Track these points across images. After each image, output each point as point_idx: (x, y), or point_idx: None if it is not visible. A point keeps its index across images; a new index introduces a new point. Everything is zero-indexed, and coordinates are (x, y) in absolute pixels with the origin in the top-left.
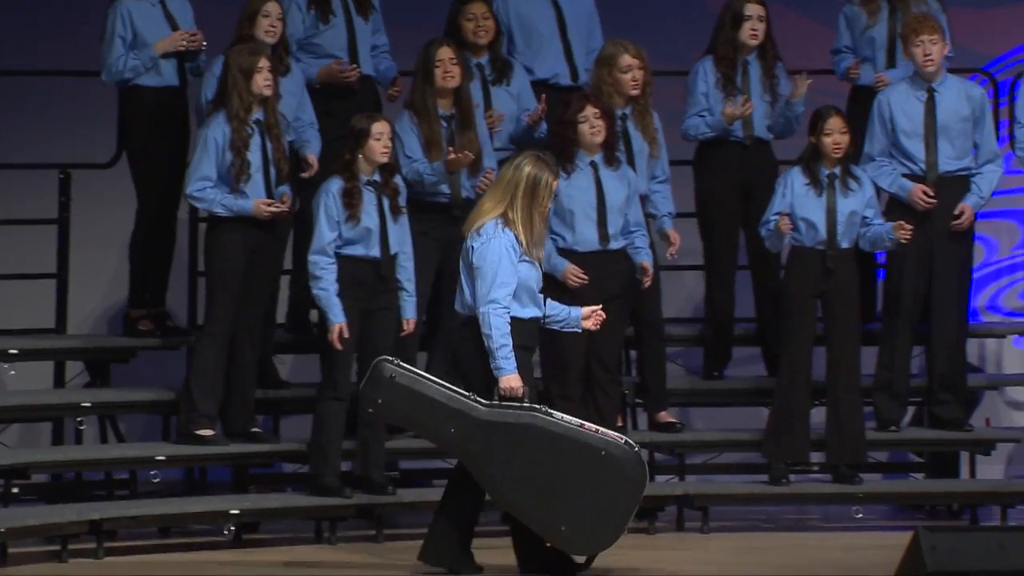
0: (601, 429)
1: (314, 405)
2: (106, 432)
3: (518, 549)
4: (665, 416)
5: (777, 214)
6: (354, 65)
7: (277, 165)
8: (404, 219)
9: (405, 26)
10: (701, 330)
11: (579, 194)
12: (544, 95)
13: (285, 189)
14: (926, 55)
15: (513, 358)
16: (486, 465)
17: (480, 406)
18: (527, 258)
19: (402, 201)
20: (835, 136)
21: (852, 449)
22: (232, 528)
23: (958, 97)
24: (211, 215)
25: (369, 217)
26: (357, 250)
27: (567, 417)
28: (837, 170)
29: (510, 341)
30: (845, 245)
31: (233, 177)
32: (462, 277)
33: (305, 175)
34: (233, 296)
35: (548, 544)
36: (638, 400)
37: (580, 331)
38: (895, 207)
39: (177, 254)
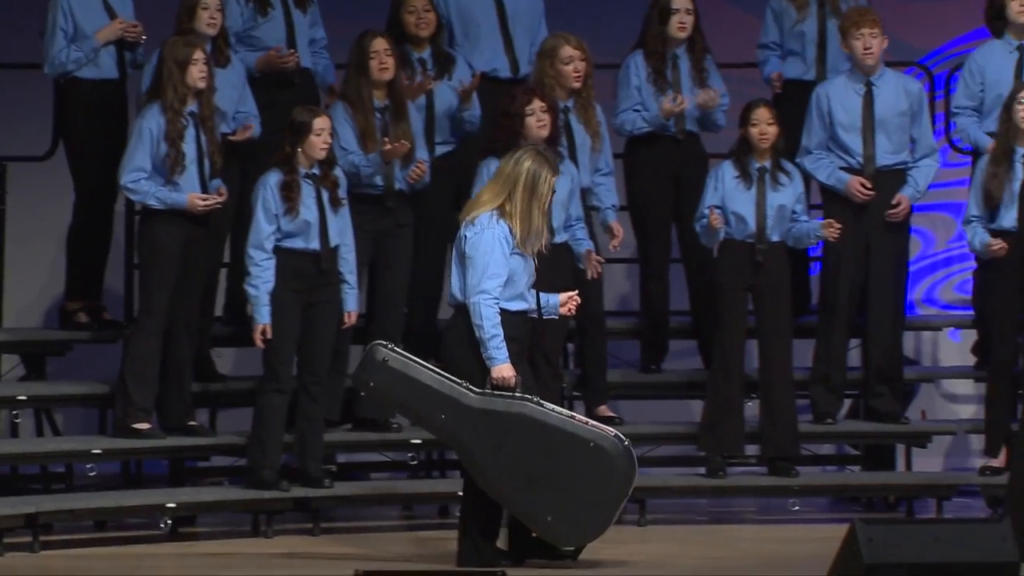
0: (591, 421)
1: (255, 397)
2: (42, 425)
3: (512, 534)
4: (604, 410)
5: (709, 208)
6: (292, 51)
7: (211, 158)
8: (345, 211)
9: (343, 20)
10: (637, 323)
11: None
12: (476, 73)
13: (219, 183)
14: (866, 48)
15: (505, 348)
16: (475, 452)
17: (472, 394)
18: (519, 252)
19: (342, 193)
20: (761, 127)
21: (785, 442)
22: (168, 521)
23: (896, 91)
24: (145, 208)
25: (308, 210)
26: (297, 243)
27: (558, 408)
28: (768, 163)
29: (501, 331)
30: (775, 238)
31: (168, 169)
32: (453, 266)
33: (237, 137)
34: (167, 289)
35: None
36: (575, 393)
37: (557, 318)
38: (832, 200)
39: (113, 247)
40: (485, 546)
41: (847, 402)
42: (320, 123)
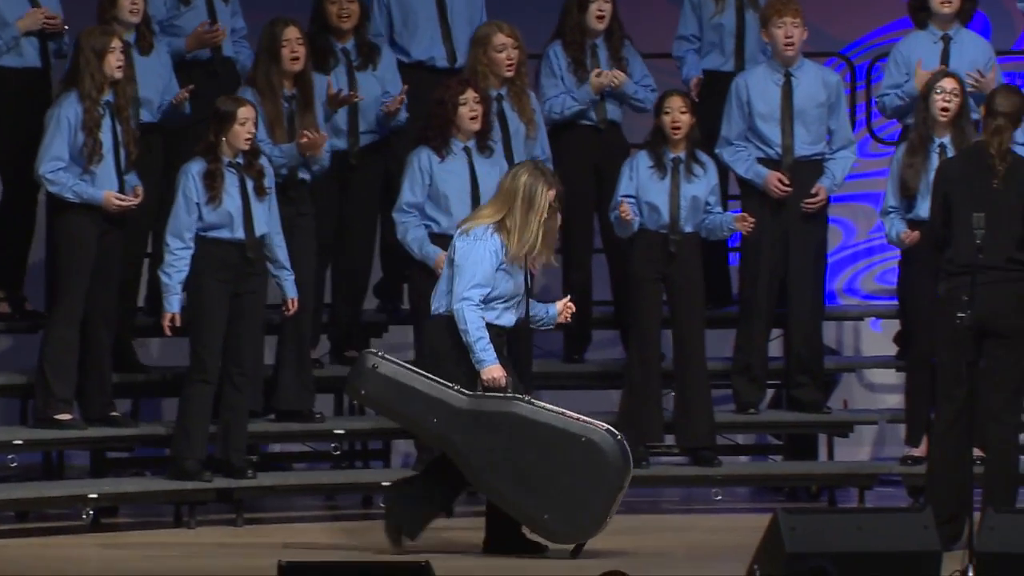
0: (582, 417)
1: (182, 388)
2: None
3: (489, 527)
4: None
5: (626, 197)
6: (217, 26)
7: (127, 148)
8: (271, 200)
9: (264, 11)
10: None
11: (453, 179)
12: (406, 85)
13: (136, 181)
14: (787, 37)
15: (492, 349)
16: (468, 454)
17: (462, 396)
18: (506, 268)
19: (268, 183)
20: (674, 115)
21: (702, 432)
22: (90, 512)
23: (815, 82)
24: (58, 198)
25: (232, 199)
26: (223, 233)
27: (549, 405)
28: (682, 154)
29: (486, 333)
30: (688, 229)
31: (84, 158)
32: (443, 274)
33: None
34: (83, 279)
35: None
36: None
37: (552, 328)
38: (750, 191)
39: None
40: (420, 515)
41: (770, 392)
42: (244, 112)
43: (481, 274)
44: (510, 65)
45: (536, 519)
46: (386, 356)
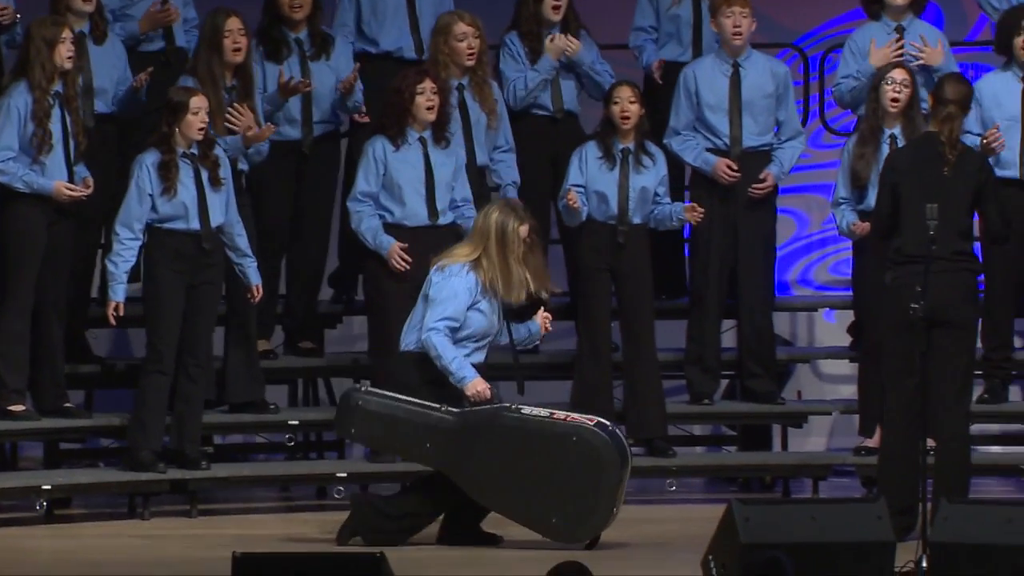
0: (571, 415)
1: (138, 378)
2: None
3: (445, 519)
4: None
5: (574, 187)
6: (168, 5)
7: (76, 138)
8: (227, 190)
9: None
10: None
11: (408, 169)
12: (358, 63)
13: (85, 172)
14: (735, 27)
15: (468, 365)
16: (467, 471)
17: (450, 416)
18: (481, 306)
19: (223, 173)
20: (623, 104)
21: (652, 423)
22: (44, 504)
23: (763, 73)
24: (8, 189)
25: (186, 190)
26: (178, 224)
27: (535, 410)
28: (631, 145)
29: (459, 352)
30: (637, 220)
31: (35, 148)
32: (415, 309)
33: (135, 83)
34: (33, 270)
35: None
36: None
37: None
38: (699, 181)
39: None
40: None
41: (724, 383)
42: (197, 102)
43: (453, 309)
44: (471, 54)
45: (546, 524)
46: (369, 390)
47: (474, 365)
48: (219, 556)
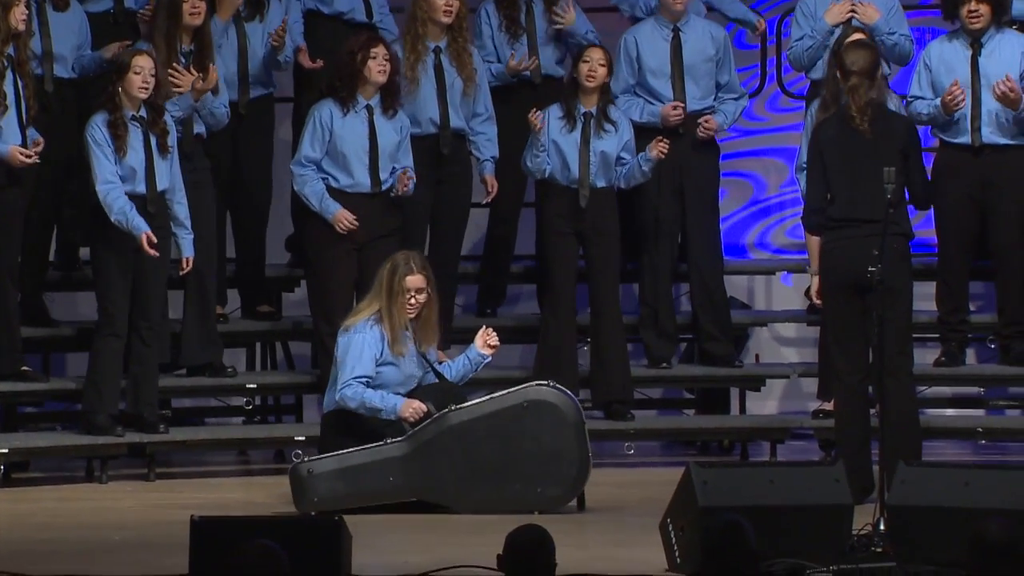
0: (510, 389)
1: (91, 342)
2: None
3: None
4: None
5: (533, 110)
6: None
7: (27, 102)
8: (173, 158)
9: None
10: (478, 267)
11: (353, 138)
12: (285, 18)
13: (35, 134)
14: None
15: (391, 395)
16: (439, 487)
17: (398, 442)
18: (391, 358)
19: (171, 140)
20: (592, 64)
21: (617, 386)
22: (1, 468)
23: (703, 37)
24: None
25: (135, 153)
26: (125, 187)
27: (475, 400)
28: (593, 109)
29: (378, 392)
30: (600, 184)
31: None
32: (331, 373)
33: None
34: None
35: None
36: None
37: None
38: (644, 135)
39: None
40: None
41: (683, 346)
42: (139, 61)
43: (360, 367)
44: (448, 11)
45: (531, 498)
46: (311, 458)
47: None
48: (177, 520)
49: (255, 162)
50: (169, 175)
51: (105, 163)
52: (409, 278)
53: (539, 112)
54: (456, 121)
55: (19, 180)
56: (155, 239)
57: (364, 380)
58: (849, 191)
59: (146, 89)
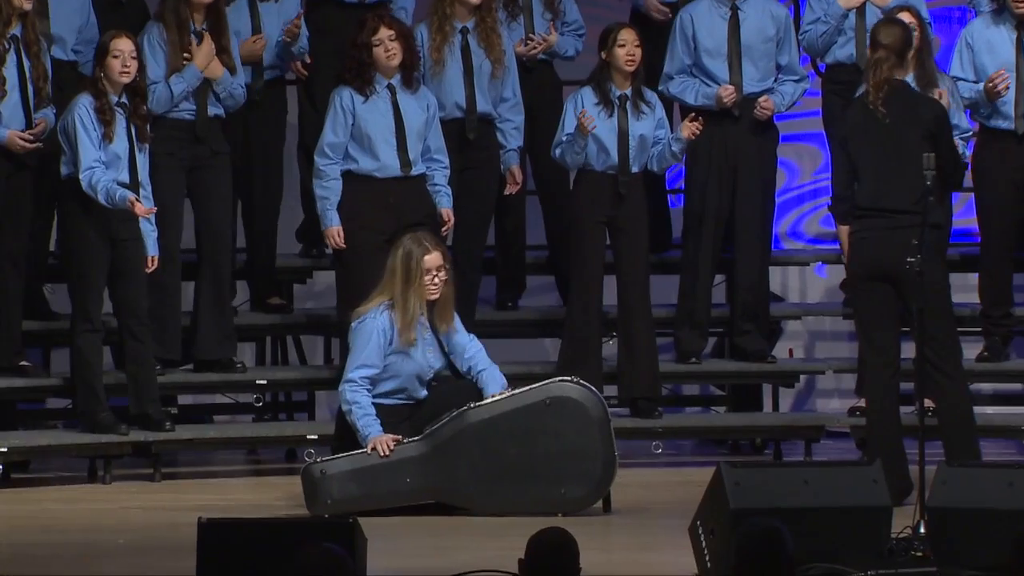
0: (531, 386)
1: (70, 340)
2: None
3: None
4: None
5: (569, 134)
6: None
7: (36, 84)
8: (147, 149)
9: None
10: (494, 258)
11: (377, 119)
12: (301, 11)
13: (45, 114)
14: None
15: (375, 423)
16: (457, 489)
17: (414, 441)
18: (402, 347)
19: (149, 130)
20: (629, 47)
21: (645, 382)
22: (0, 467)
23: (763, 16)
24: None
25: (121, 141)
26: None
27: (494, 397)
28: (629, 91)
29: (369, 410)
30: (635, 170)
31: None
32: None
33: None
34: None
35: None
36: None
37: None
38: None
39: None
40: None
41: (712, 340)
42: (119, 44)
43: (366, 355)
44: None
45: (557, 499)
46: (323, 458)
47: (397, 405)
48: (184, 522)
49: (268, 148)
50: (145, 166)
51: (90, 148)
52: (427, 258)
53: (588, 112)
54: (483, 105)
55: (25, 166)
56: (141, 201)
57: (370, 374)
58: (874, 179)
59: (127, 73)
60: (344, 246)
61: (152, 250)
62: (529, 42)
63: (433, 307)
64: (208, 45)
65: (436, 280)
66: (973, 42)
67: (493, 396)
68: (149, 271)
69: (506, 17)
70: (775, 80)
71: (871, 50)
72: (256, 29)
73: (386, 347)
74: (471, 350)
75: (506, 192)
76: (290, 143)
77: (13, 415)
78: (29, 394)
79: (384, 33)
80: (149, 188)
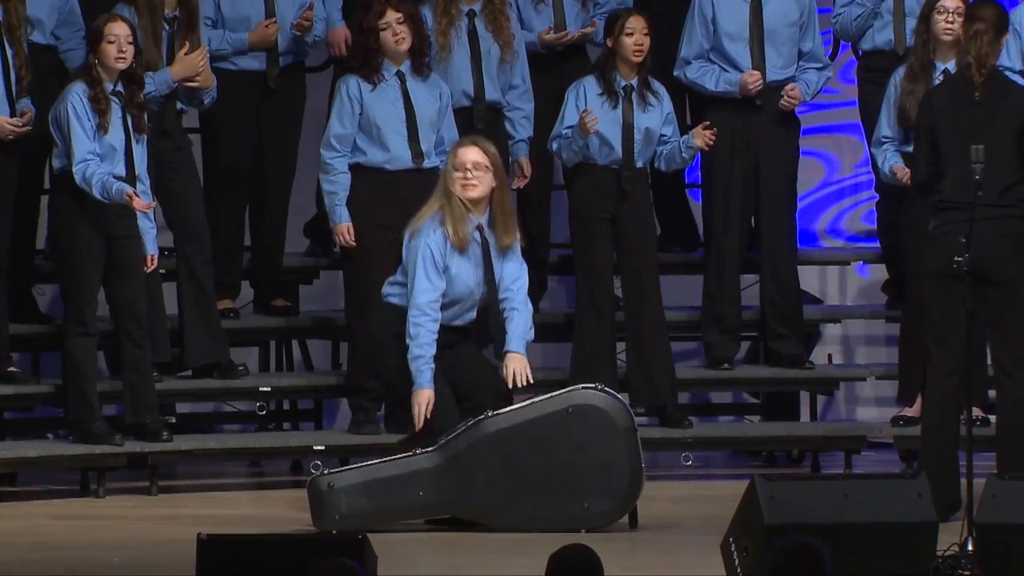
0: (551, 394)
1: (62, 345)
2: None
3: None
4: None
5: (569, 128)
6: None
7: (19, 72)
8: (145, 140)
9: None
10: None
11: (387, 108)
12: (312, 2)
13: (27, 103)
14: None
15: (428, 371)
16: (473, 503)
17: (428, 452)
18: (457, 260)
19: (147, 119)
20: (637, 36)
21: (660, 389)
22: None
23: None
24: None
25: (116, 132)
26: (102, 167)
27: (513, 406)
28: (635, 81)
29: (430, 351)
30: (640, 164)
31: None
32: (401, 265)
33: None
34: None
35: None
36: None
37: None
38: (714, 118)
39: None
40: None
41: (745, 345)
42: (114, 28)
43: (426, 277)
44: None
45: (578, 515)
46: (331, 470)
47: (462, 325)
48: (182, 538)
49: (281, 142)
50: (144, 158)
51: (84, 139)
52: (461, 150)
53: (592, 113)
54: (492, 93)
55: (9, 153)
56: (138, 194)
57: (435, 297)
58: (962, 170)
59: (124, 59)
60: (354, 243)
61: (152, 248)
62: (565, 36)
63: (490, 215)
64: (198, 57)
65: (469, 175)
66: (1021, 28)
67: (512, 407)
68: (149, 271)
69: (534, 2)
70: (796, 68)
71: (966, 23)
72: (269, 12)
73: (441, 263)
74: (513, 283)
75: (513, 187)
76: (313, 132)
77: (1, 424)
78: (17, 402)
79: (392, 16)
80: (148, 182)
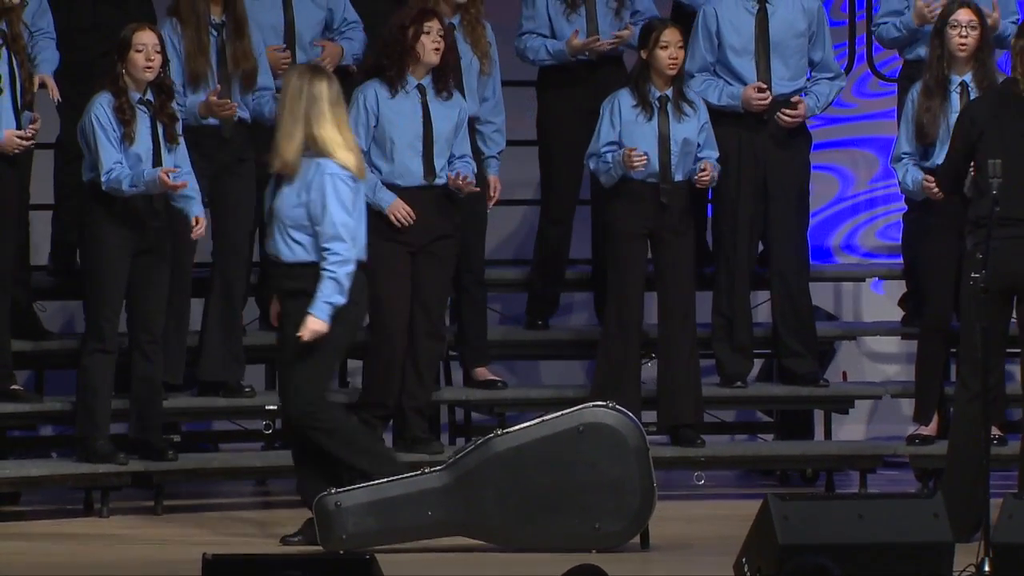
0: (562, 412)
1: (78, 358)
2: None
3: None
4: (484, 373)
5: (609, 145)
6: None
7: (24, 84)
8: (181, 149)
9: None
10: (528, 274)
11: (403, 121)
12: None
13: (30, 114)
14: None
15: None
16: (483, 522)
17: (436, 471)
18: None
19: (179, 129)
20: (672, 50)
21: (687, 408)
22: None
23: (793, 9)
24: None
25: (142, 142)
26: None
27: (524, 423)
28: (669, 92)
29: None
30: (679, 177)
31: None
32: None
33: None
34: None
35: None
36: (453, 353)
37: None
38: (721, 134)
39: None
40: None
41: (758, 363)
42: (143, 37)
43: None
44: None
45: (589, 535)
46: (338, 490)
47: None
48: (187, 559)
49: None
50: (182, 167)
51: (110, 149)
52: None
53: (641, 152)
54: (472, 108)
55: (14, 165)
56: (170, 175)
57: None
58: (1006, 184)
59: (151, 68)
60: (414, 218)
61: (198, 210)
62: (596, 43)
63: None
64: (223, 111)
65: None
66: None
67: (524, 424)
68: (195, 235)
69: (564, 9)
70: (807, 79)
71: (1017, 38)
72: (289, 24)
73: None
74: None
75: (488, 204)
76: None
77: (4, 443)
78: (20, 420)
79: (436, 25)
80: (191, 175)
